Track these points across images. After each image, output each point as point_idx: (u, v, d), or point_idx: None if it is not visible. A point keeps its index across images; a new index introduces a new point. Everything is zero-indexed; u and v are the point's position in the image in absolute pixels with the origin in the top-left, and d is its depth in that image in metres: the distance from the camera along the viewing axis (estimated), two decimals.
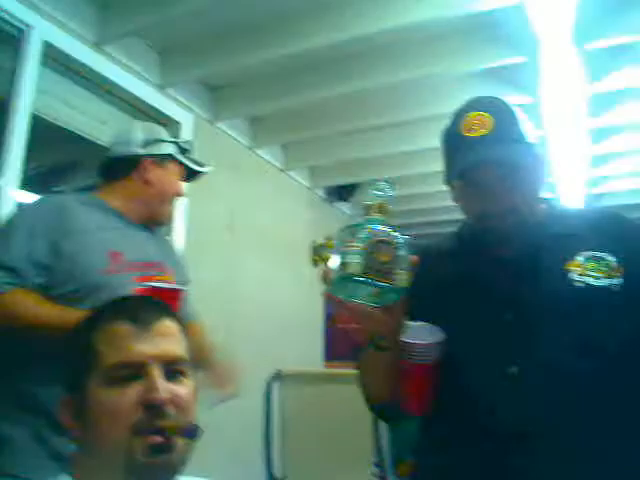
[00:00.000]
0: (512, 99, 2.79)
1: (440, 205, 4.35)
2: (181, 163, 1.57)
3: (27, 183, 2.05)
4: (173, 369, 0.79)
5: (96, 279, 1.30)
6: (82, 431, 0.77)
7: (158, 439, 0.74)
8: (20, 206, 1.58)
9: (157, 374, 0.76)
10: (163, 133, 1.59)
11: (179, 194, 1.58)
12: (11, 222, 1.36)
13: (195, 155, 1.67)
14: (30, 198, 2.17)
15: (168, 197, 1.55)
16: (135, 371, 0.76)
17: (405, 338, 0.97)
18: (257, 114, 3.37)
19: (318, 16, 2.39)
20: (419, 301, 0.97)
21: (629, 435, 0.94)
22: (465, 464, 0.98)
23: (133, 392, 0.74)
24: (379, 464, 2.32)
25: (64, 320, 1.14)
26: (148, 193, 1.51)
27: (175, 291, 1.31)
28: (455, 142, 1.06)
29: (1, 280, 1.25)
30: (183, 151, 1.59)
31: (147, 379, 0.75)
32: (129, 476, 0.73)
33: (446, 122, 1.10)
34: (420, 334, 0.98)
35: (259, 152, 3.57)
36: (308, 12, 2.40)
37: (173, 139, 1.59)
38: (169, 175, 1.54)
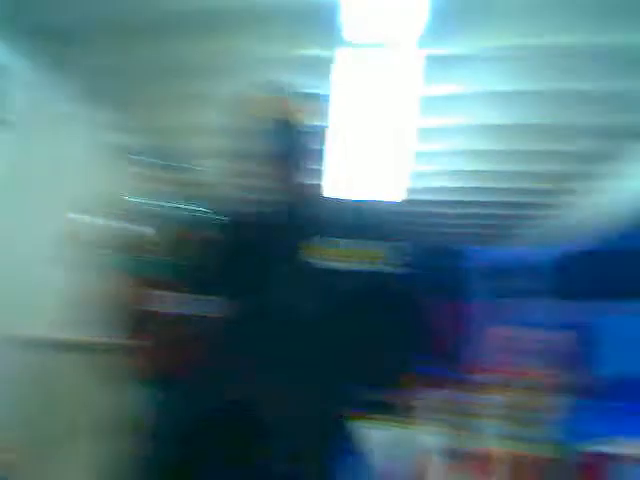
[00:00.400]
0: (316, 89, 2.92)
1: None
2: None
3: None
4: None
5: None
6: None
7: None
8: None
9: None
10: None
11: None
12: None
13: None
14: None
15: None
16: None
17: (173, 310, 1.03)
18: (65, 63, 3.08)
19: None
20: (202, 274, 1.04)
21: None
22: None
23: None
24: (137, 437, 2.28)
25: None
26: None
27: None
28: (246, 124, 1.12)
29: None
30: None
31: None
32: None
33: (242, 102, 1.14)
34: (189, 306, 1.04)
35: (59, 101, 3.29)
36: None
37: None
38: None
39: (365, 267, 1.11)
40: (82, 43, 2.78)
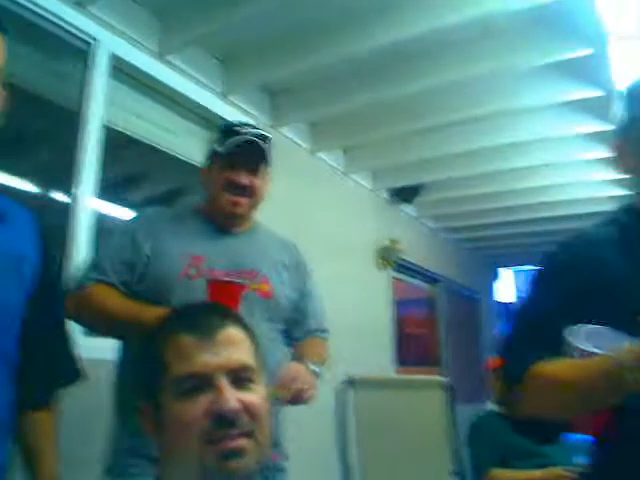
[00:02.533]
0: (581, 93, 2.68)
1: (504, 205, 4.22)
2: (223, 151, 1.45)
3: (101, 192, 2.11)
4: (240, 377, 0.77)
5: (169, 282, 1.31)
6: (160, 439, 0.78)
7: (230, 444, 0.72)
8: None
9: (224, 384, 0.74)
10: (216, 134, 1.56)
11: (233, 183, 1.43)
12: (110, 228, 1.39)
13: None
14: (106, 206, 2.25)
15: (218, 190, 1.44)
16: (202, 382, 0.75)
17: (587, 347, 0.81)
18: (318, 118, 3.35)
19: (377, 16, 2.35)
20: (586, 299, 0.85)
21: None
22: None
23: (203, 404, 0.73)
24: (458, 473, 2.24)
25: (140, 315, 1.21)
26: (209, 194, 1.48)
27: (233, 285, 1.24)
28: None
29: (86, 275, 1.34)
30: (229, 135, 1.48)
31: (215, 390, 0.74)
32: None
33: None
34: (602, 341, 0.80)
35: (321, 156, 3.55)
36: (368, 13, 2.35)
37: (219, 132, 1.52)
38: (215, 169, 1.46)
39: None
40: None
